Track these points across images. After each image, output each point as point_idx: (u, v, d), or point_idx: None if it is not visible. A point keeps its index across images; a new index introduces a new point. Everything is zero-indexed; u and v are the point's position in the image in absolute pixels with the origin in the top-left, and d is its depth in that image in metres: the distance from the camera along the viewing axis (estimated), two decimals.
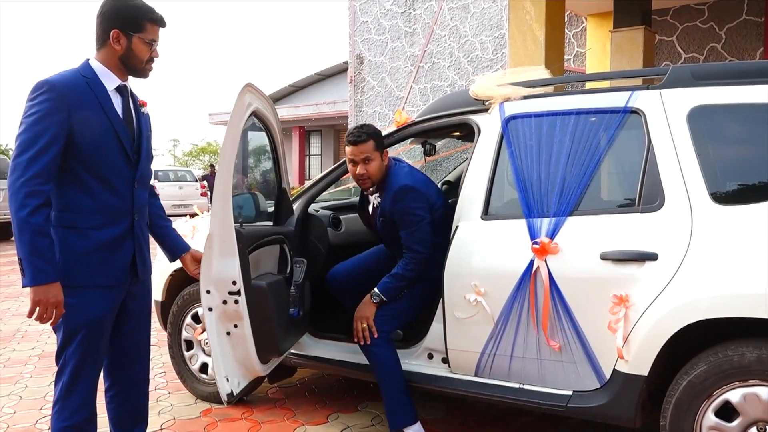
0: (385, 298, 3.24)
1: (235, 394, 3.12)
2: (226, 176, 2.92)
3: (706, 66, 2.82)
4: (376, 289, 3.25)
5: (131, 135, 2.46)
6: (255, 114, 3.29)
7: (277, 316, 3.21)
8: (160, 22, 2.46)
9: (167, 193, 17.00)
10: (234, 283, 2.96)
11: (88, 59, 2.41)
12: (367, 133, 3.26)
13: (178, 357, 4.03)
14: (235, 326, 3.06)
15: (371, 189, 3.40)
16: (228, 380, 3.09)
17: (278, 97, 26.18)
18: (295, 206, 3.78)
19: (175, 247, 2.84)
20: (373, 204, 3.45)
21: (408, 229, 3.22)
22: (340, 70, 22.95)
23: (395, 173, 3.33)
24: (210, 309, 3.02)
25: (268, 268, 3.44)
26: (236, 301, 2.99)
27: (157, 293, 4.18)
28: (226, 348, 3.10)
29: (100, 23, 2.39)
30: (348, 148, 3.28)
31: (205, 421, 3.66)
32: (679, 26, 9.43)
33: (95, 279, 2.36)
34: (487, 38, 11.89)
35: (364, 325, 3.21)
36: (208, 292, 2.98)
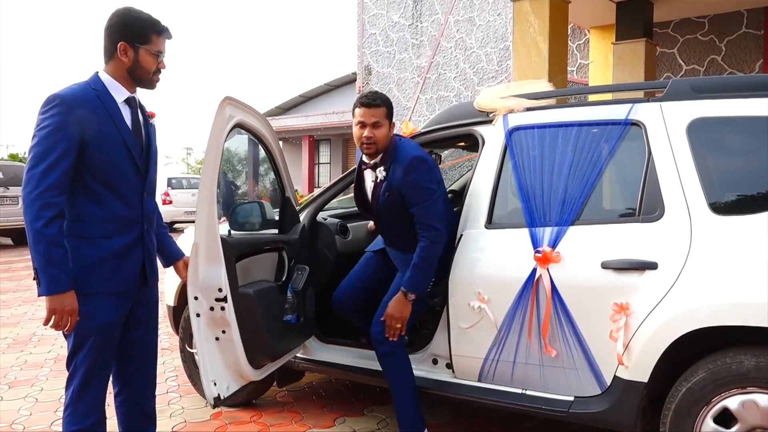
0: (418, 294, 3.08)
1: (222, 398, 3.10)
2: (209, 187, 2.93)
3: (705, 79, 2.83)
4: (404, 287, 3.07)
5: (140, 146, 2.47)
6: (242, 126, 3.25)
7: (266, 322, 3.20)
8: (166, 33, 2.47)
9: (180, 200, 16.97)
10: (220, 290, 2.96)
11: (97, 72, 2.42)
12: (381, 99, 3.14)
13: (189, 361, 4.04)
14: (223, 332, 3.05)
15: (372, 163, 3.22)
16: (216, 384, 3.08)
17: (288, 107, 26.27)
18: (303, 214, 3.79)
19: (169, 254, 2.85)
20: (377, 178, 3.21)
21: (421, 203, 3.05)
22: (349, 81, 23.01)
23: (403, 146, 3.18)
24: (198, 315, 3.01)
25: (263, 275, 3.45)
26: (223, 308, 2.99)
27: (170, 298, 4.20)
28: (215, 353, 3.09)
29: (107, 36, 2.40)
30: (359, 110, 3.13)
31: (216, 424, 3.67)
32: (680, 39, 9.43)
33: (106, 286, 2.37)
34: (492, 50, 11.91)
35: (399, 325, 3.10)
36: (195, 298, 2.98)
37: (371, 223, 4.11)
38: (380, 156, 3.19)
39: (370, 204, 3.33)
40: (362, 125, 3.13)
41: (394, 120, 3.22)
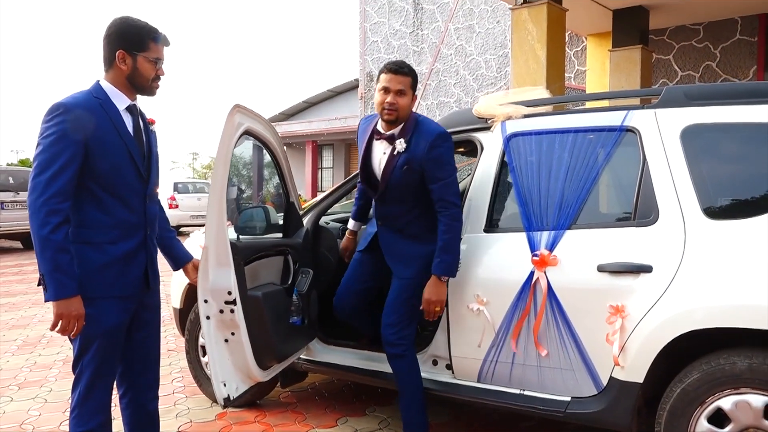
0: (451, 276, 3.01)
1: (232, 398, 3.11)
2: (219, 194, 2.94)
3: (698, 87, 2.83)
4: (436, 273, 2.97)
5: (142, 152, 2.48)
6: (250, 133, 3.27)
7: (273, 324, 3.22)
8: (163, 40, 2.47)
9: (186, 204, 16.99)
10: (229, 293, 2.98)
11: (99, 80, 2.43)
12: (408, 68, 3.05)
13: (194, 362, 4.05)
14: (233, 334, 3.07)
15: (388, 134, 3.09)
16: (225, 385, 3.09)
17: (292, 113, 26.31)
18: (306, 219, 3.81)
19: (178, 257, 2.86)
20: (395, 150, 3.06)
21: (444, 179, 2.98)
22: (352, 87, 23.05)
23: (426, 121, 3.09)
24: (207, 317, 3.02)
25: (269, 278, 3.46)
26: (232, 311, 3.00)
27: (176, 301, 4.22)
28: (224, 354, 3.11)
29: (106, 45, 2.40)
30: (386, 76, 3.02)
31: (221, 424, 3.68)
32: (676, 45, 9.44)
33: (110, 291, 2.37)
34: (492, 57, 11.94)
35: (438, 308, 3.02)
36: (205, 301, 2.99)
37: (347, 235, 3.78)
38: (400, 127, 3.08)
39: (378, 177, 3.17)
40: (386, 91, 3.02)
41: None
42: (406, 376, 3.14)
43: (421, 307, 3.06)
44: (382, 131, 3.13)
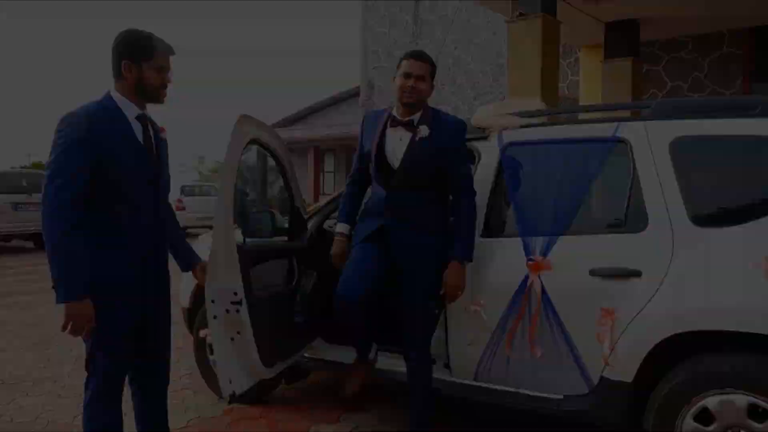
0: (470, 259, 3.00)
1: (237, 394, 3.14)
2: (227, 198, 2.98)
3: (686, 100, 2.87)
4: (459, 257, 2.94)
5: (151, 159, 2.50)
6: (256, 141, 3.31)
7: (277, 324, 3.24)
8: (167, 49, 2.49)
9: (193, 207, 16.95)
10: (235, 294, 3.01)
11: (109, 91, 2.46)
12: (429, 57, 3.06)
13: (202, 360, 4.07)
14: (238, 333, 3.10)
15: (406, 120, 3.02)
16: (231, 381, 3.12)
17: (295, 119, 26.30)
18: (311, 223, 3.83)
19: (187, 259, 2.89)
20: (419, 136, 2.98)
21: (465, 163, 3.02)
22: (353, 95, 23.06)
23: (441, 111, 3.10)
24: (215, 317, 3.05)
25: (274, 280, 3.50)
26: (238, 311, 3.03)
27: (185, 300, 4.24)
28: (231, 352, 3.13)
29: (113, 56, 2.43)
30: (407, 62, 3.00)
31: (227, 419, 3.70)
32: (666, 57, 9.47)
33: (121, 294, 2.40)
34: (488, 67, 11.97)
35: (459, 293, 2.97)
36: (213, 301, 3.02)
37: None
38: (419, 114, 3.03)
39: (392, 165, 3.04)
40: (407, 76, 2.99)
41: None
42: (426, 379, 3.11)
43: (442, 292, 2.99)
44: (400, 118, 3.08)
